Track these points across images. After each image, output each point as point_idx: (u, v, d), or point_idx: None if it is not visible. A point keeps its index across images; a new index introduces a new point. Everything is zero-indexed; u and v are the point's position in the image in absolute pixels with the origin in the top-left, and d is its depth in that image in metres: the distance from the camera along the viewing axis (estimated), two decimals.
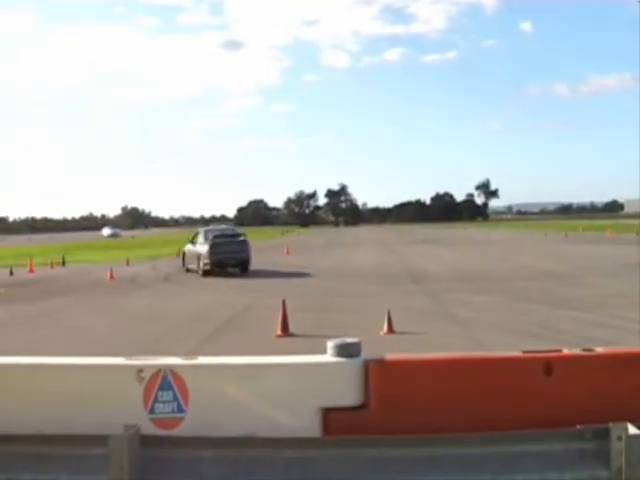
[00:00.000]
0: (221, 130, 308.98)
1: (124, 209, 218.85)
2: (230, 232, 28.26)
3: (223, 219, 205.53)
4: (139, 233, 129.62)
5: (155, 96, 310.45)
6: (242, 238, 26.36)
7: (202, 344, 11.02)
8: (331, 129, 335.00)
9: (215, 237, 25.47)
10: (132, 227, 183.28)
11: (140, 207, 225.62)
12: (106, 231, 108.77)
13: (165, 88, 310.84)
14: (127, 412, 3.73)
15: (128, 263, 32.62)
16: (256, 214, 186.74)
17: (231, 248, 25.31)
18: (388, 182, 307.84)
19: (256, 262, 31.47)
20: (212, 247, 24.63)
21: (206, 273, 24.49)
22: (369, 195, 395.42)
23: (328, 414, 3.76)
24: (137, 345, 10.92)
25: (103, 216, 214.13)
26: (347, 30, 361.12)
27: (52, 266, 32.11)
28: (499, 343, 10.14)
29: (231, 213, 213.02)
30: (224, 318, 14.04)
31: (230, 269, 25.55)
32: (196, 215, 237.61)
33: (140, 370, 3.87)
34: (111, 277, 24.28)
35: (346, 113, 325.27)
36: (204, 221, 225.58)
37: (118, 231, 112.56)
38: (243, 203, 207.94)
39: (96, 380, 3.94)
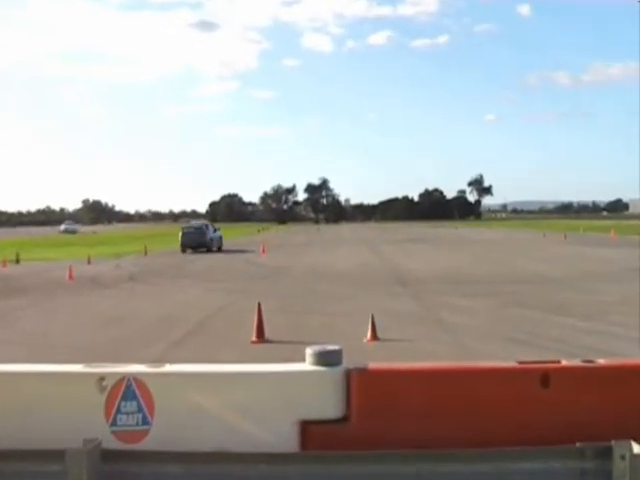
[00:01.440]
0: (194, 117, 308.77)
1: (85, 202, 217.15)
2: (196, 226, 46.01)
3: (193, 214, 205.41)
4: (101, 229, 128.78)
5: (123, 78, 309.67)
6: (202, 230, 43.56)
7: (169, 350, 10.96)
8: (312, 118, 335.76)
9: (184, 229, 44.56)
10: (94, 222, 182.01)
11: (103, 200, 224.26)
12: (63, 226, 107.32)
13: (134, 69, 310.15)
14: (87, 424, 3.69)
15: (89, 261, 32.40)
16: (230, 209, 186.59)
17: (194, 237, 42.75)
18: (373, 177, 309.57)
19: (228, 262, 31.54)
20: (182, 236, 42.88)
21: (182, 251, 41.96)
22: (352, 190, 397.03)
23: (307, 427, 3.75)
24: (98, 351, 10.83)
25: (62, 210, 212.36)
26: (329, 11, 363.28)
27: (4, 264, 31.75)
28: (490, 351, 10.21)
29: (203, 208, 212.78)
30: (194, 321, 13.99)
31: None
32: (164, 210, 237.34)
33: (101, 378, 3.83)
34: (70, 277, 24.10)
35: (329, 101, 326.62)
36: (173, 216, 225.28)
37: (76, 226, 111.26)
38: (216, 197, 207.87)
39: (52, 389, 3.89)
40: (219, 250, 43.41)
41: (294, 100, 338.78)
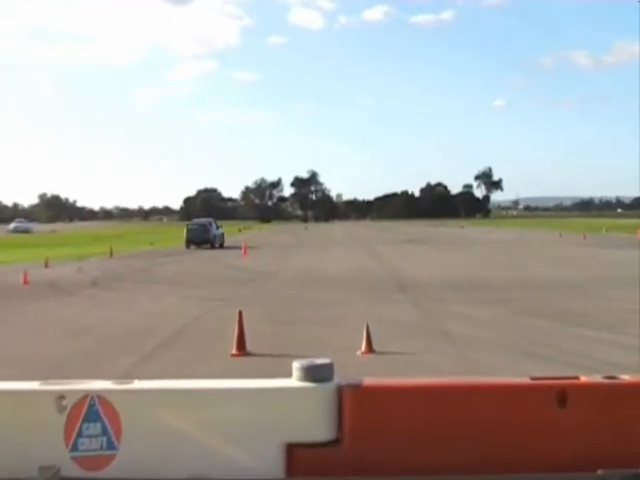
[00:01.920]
0: (167, 101, 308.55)
1: (42, 197, 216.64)
2: (200, 223, 53.50)
3: (166, 211, 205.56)
4: (61, 227, 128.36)
5: (86, 58, 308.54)
6: (206, 227, 51.53)
7: (138, 365, 10.94)
8: (300, 104, 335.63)
9: (189, 226, 52.72)
10: (52, 220, 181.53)
11: (63, 195, 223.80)
12: (13, 224, 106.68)
13: (98, 49, 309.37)
14: (43, 449, 3.67)
15: (47, 264, 32.29)
16: (207, 206, 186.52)
17: (198, 233, 50.72)
18: (368, 170, 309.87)
19: (205, 266, 31.55)
20: (187, 232, 51.02)
21: (186, 246, 49.39)
22: (345, 185, 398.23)
23: (293, 451, 3.73)
24: (57, 366, 10.79)
25: (15, 205, 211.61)
26: None
27: None
28: (499, 366, 10.24)
29: (176, 204, 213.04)
30: (167, 332, 13.97)
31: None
32: (133, 206, 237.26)
33: (61, 397, 3.80)
34: (25, 282, 24.00)
35: (319, 84, 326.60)
36: (143, 213, 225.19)
37: (29, 225, 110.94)
38: (191, 192, 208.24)
39: (4, 410, 3.86)
40: (221, 247, 51.44)
41: (280, 83, 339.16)
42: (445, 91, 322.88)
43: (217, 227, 53.36)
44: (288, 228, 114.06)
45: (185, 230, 51.91)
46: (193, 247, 49.66)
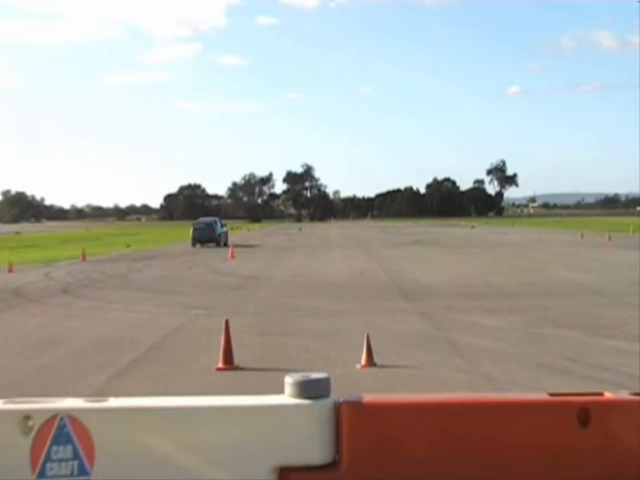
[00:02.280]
0: (143, 88, 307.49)
1: (6, 195, 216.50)
2: (206, 222, 60.54)
3: (145, 210, 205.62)
4: (27, 228, 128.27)
5: (49, 38, 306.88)
6: (212, 226, 58.11)
7: (113, 381, 10.93)
8: (293, 91, 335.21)
9: (196, 224, 59.23)
10: (17, 219, 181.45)
11: (29, 192, 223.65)
12: None
13: (63, 27, 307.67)
14: (7, 476, 3.66)
15: (11, 269, 32.27)
16: (190, 203, 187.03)
17: (204, 232, 57.15)
18: (369, 164, 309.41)
19: (187, 270, 31.61)
20: (193, 231, 57.26)
21: (193, 245, 55.96)
22: (343, 181, 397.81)
23: (286, 475, 3.73)
24: (22, 383, 10.77)
25: None
26: None
27: None
28: (515, 381, 10.25)
29: (156, 202, 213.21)
30: (145, 344, 13.96)
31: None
32: (108, 204, 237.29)
33: (26, 417, 3.79)
34: None
35: (313, 70, 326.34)
36: (119, 212, 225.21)
37: None
38: (173, 189, 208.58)
39: None
40: (225, 244, 56.72)
41: (270, 68, 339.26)
42: (453, 77, 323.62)
43: (222, 226, 60.27)
44: (280, 228, 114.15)
45: (192, 229, 58.30)
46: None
